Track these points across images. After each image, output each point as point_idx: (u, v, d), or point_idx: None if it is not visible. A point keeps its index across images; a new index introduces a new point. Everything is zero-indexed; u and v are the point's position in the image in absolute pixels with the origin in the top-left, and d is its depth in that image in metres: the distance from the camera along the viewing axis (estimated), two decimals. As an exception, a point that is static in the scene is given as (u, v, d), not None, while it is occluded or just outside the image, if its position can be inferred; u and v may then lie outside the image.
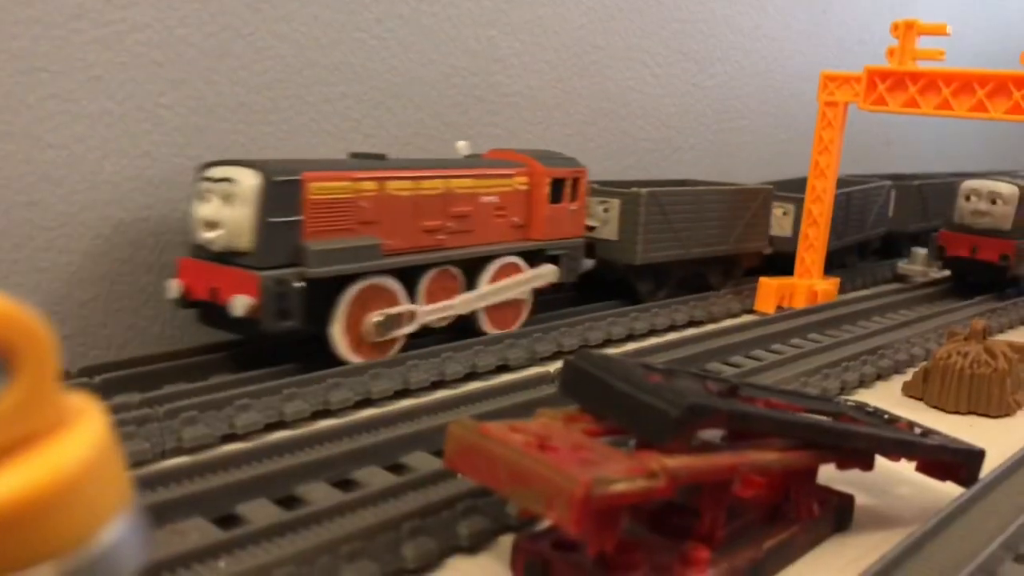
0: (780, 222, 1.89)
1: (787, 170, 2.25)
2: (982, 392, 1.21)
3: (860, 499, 0.88)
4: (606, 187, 1.61)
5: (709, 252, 1.73)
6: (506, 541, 0.77)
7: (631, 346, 1.42)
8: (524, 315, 1.41)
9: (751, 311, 1.73)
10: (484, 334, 1.32)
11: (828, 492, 0.86)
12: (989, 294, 1.89)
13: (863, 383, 1.30)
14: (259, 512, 0.79)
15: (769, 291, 1.74)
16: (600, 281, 1.63)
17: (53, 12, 1.09)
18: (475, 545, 0.77)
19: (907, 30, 1.64)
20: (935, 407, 1.23)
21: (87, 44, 1.12)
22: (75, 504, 0.30)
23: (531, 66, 1.66)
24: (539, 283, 1.40)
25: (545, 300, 1.48)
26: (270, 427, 1.00)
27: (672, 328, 1.58)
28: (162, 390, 1.03)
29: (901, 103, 1.64)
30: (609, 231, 1.60)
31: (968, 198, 1.86)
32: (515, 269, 1.37)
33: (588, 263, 1.53)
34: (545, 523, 0.77)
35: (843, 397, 1.18)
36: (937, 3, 2.77)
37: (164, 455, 0.92)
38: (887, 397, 1.26)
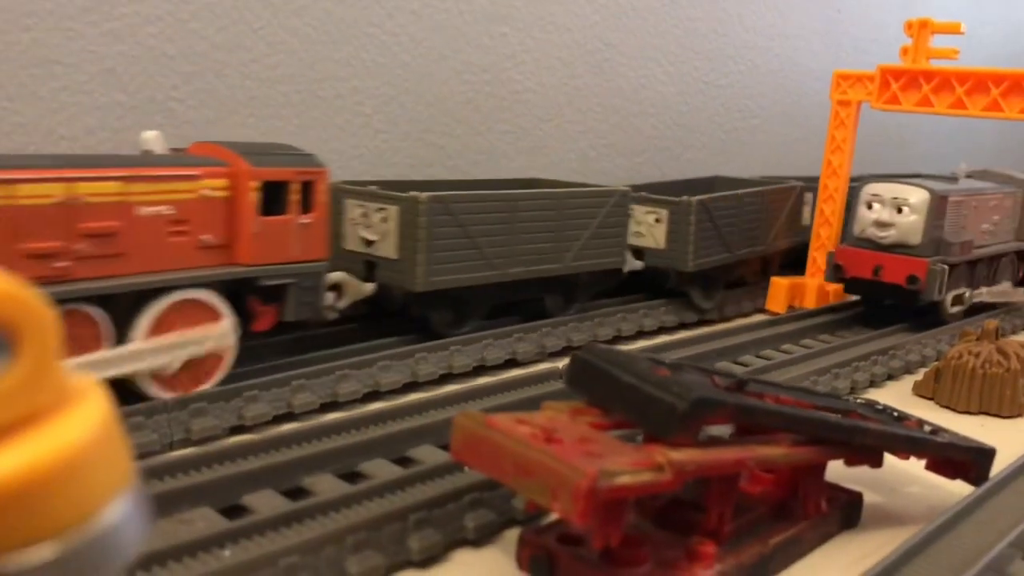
0: (652, 231, 1.56)
1: (794, 168, 2.24)
2: (994, 392, 1.20)
3: (869, 497, 0.87)
4: (382, 190, 1.24)
5: (534, 273, 1.35)
6: (512, 534, 0.77)
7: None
8: (223, 368, 1.04)
9: (763, 310, 1.73)
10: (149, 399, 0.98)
11: (836, 489, 0.85)
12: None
13: (874, 383, 1.29)
14: (266, 502, 0.79)
15: (780, 291, 1.74)
16: (383, 311, 1.30)
17: (66, 5, 1.09)
18: (481, 538, 0.77)
19: (921, 29, 1.64)
20: (946, 407, 1.22)
21: (100, 37, 1.12)
22: (76, 483, 0.30)
23: (543, 63, 1.66)
24: (215, 344, 1.02)
25: (318, 336, 1.23)
26: (278, 419, 1.01)
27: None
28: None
29: (914, 102, 1.64)
30: (387, 247, 1.21)
31: (870, 205, 1.54)
32: (200, 309, 1.01)
33: (368, 288, 1.20)
34: (551, 517, 0.77)
35: (853, 396, 1.17)
36: (951, 1, 2.75)
37: (172, 446, 0.92)
38: (898, 397, 1.26)
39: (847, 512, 0.84)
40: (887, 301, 1.60)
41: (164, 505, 0.75)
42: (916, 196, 1.51)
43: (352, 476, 0.87)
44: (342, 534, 0.71)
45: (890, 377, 1.33)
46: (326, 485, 0.83)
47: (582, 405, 0.74)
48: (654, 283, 1.59)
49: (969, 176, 1.75)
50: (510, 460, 0.62)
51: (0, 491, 0.27)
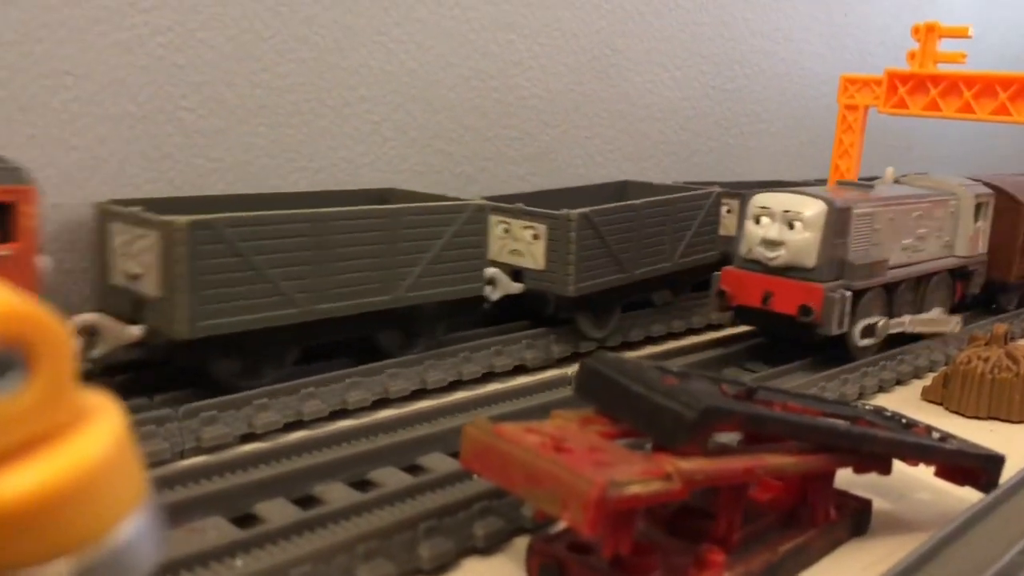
0: (531, 249, 1.31)
1: (802, 173, 2.24)
2: (1003, 397, 1.20)
3: (878, 504, 0.87)
4: (144, 212, 1.01)
5: (355, 307, 1.12)
6: (521, 542, 0.78)
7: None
8: None
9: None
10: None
11: (846, 496, 0.85)
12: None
13: (882, 388, 1.29)
14: (277, 511, 0.79)
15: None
16: (150, 361, 1.09)
17: (77, 16, 1.10)
18: (490, 546, 0.78)
19: (928, 33, 1.63)
20: (955, 412, 1.22)
21: (110, 48, 1.13)
22: (91, 500, 0.30)
23: (549, 69, 1.66)
24: None
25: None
26: (288, 427, 1.01)
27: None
28: (182, 390, 1.04)
29: (922, 106, 1.63)
30: (149, 283, 0.99)
31: (758, 220, 1.28)
32: None
33: (132, 332, 1.00)
34: (560, 525, 0.78)
35: (861, 402, 1.17)
36: (959, 5, 2.75)
37: (183, 454, 0.93)
38: (906, 402, 1.25)
39: (856, 519, 0.84)
40: (784, 335, 1.31)
41: (177, 514, 0.75)
42: (810, 208, 1.24)
43: (362, 484, 0.88)
44: (353, 543, 0.71)
45: (899, 382, 1.33)
46: (337, 493, 0.84)
47: (591, 413, 0.74)
48: (538, 309, 1.35)
49: (898, 181, 1.54)
50: (519, 469, 0.63)
51: (17, 509, 0.28)
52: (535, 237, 1.31)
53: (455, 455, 0.86)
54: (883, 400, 1.25)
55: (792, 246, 1.24)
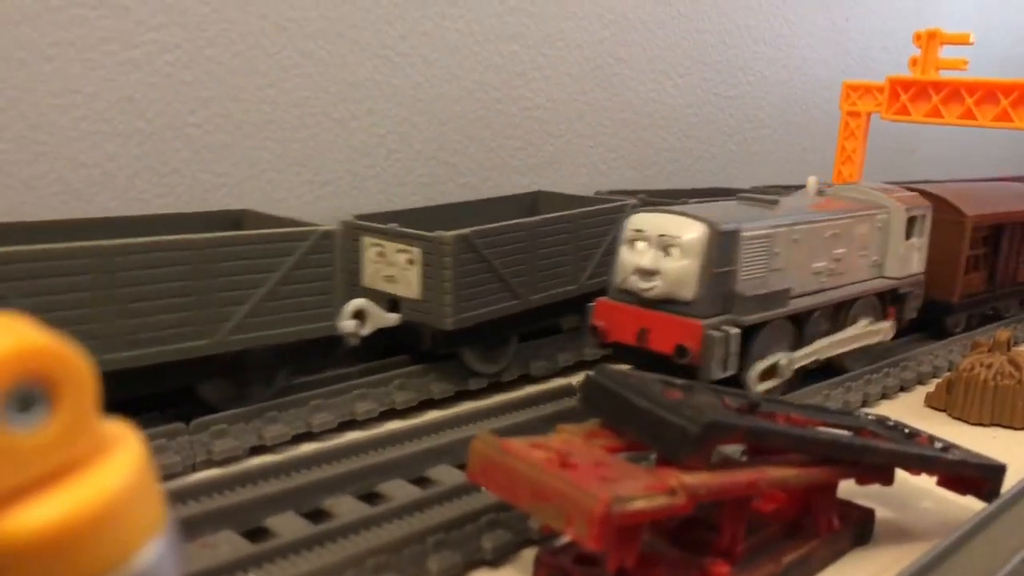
0: (406, 275, 1.15)
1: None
2: (1006, 404, 1.20)
3: (881, 513, 0.88)
4: None
5: (162, 355, 0.95)
6: (529, 554, 0.79)
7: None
8: None
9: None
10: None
11: (849, 506, 0.86)
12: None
13: (886, 395, 1.30)
14: (287, 525, 0.81)
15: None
16: None
17: (86, 35, 1.12)
18: (498, 558, 0.79)
19: (930, 40, 1.64)
20: (958, 418, 1.22)
21: (119, 66, 1.15)
22: (113, 529, 0.31)
23: (553, 79, 1.67)
24: None
25: None
26: (297, 438, 1.02)
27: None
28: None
29: (924, 113, 1.64)
30: None
31: (632, 244, 1.09)
32: None
33: None
34: (567, 537, 0.79)
35: (864, 410, 1.18)
36: (960, 10, 2.75)
37: (195, 467, 0.94)
38: (910, 409, 1.26)
39: (859, 529, 0.85)
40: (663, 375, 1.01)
41: (191, 529, 0.77)
42: (688, 232, 1.05)
43: (371, 497, 0.89)
44: (363, 557, 0.72)
45: (902, 389, 1.34)
46: (346, 507, 0.85)
47: (596, 427, 0.75)
48: (417, 343, 1.19)
49: (822, 192, 1.36)
50: (525, 485, 0.64)
51: (40, 539, 0.29)
52: (410, 262, 1.14)
53: (462, 467, 0.88)
54: (887, 407, 1.26)
55: (668, 275, 1.05)
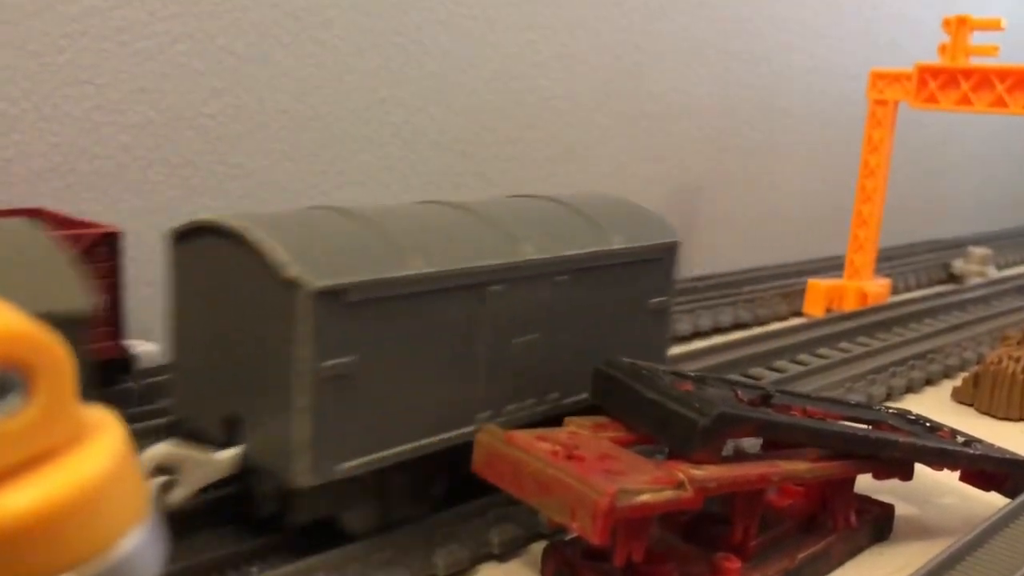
0: None
1: (836, 168, 2.21)
2: (1035, 398, 1.17)
3: (901, 509, 0.86)
4: None
5: None
6: (536, 548, 0.77)
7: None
8: None
9: (799, 314, 1.70)
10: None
11: (867, 502, 0.84)
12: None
13: (911, 389, 1.27)
14: (293, 518, 0.80)
15: (818, 294, 1.72)
16: None
17: (100, 26, 1.11)
18: (506, 552, 0.77)
19: (959, 26, 1.60)
20: (986, 413, 1.19)
21: (131, 56, 1.14)
22: (93, 516, 0.31)
23: (572, 69, 1.65)
24: None
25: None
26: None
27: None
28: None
29: (954, 101, 1.60)
30: None
31: None
32: None
33: None
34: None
35: (887, 404, 1.15)
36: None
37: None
38: (936, 403, 1.23)
39: (878, 525, 0.83)
40: None
41: (191, 522, 0.76)
42: None
43: (379, 489, 0.87)
44: (368, 551, 0.71)
45: (929, 382, 1.31)
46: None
47: (605, 420, 0.73)
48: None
49: None
50: (530, 477, 0.63)
51: (18, 525, 0.28)
52: None
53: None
54: (913, 401, 1.23)
55: None
